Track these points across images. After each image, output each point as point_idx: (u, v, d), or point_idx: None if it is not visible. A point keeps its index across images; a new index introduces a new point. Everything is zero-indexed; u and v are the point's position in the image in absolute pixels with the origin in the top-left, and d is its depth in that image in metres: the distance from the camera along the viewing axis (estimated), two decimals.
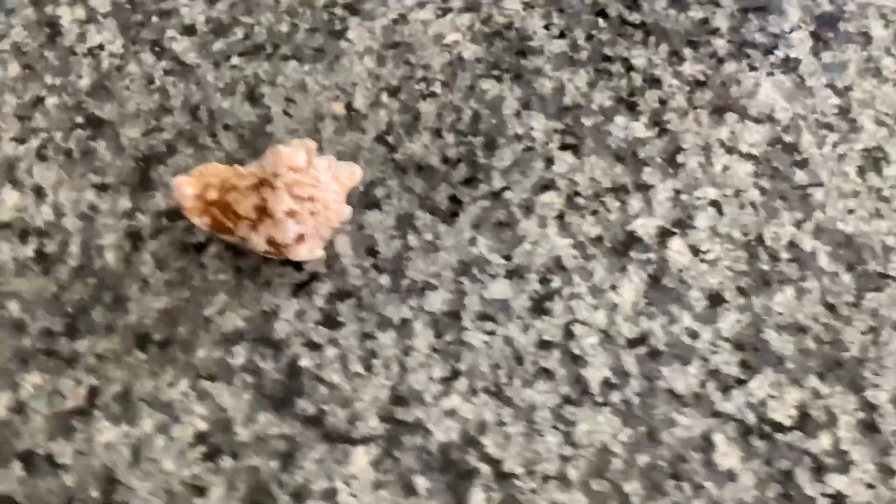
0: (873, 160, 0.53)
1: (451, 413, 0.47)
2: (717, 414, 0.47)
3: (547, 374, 0.48)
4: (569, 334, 0.49)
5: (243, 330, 0.49)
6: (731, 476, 0.46)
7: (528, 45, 0.57)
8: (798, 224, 0.52)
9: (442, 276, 0.50)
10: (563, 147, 0.54)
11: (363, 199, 0.52)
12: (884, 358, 0.48)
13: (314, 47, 0.56)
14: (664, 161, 0.53)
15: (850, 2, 0.58)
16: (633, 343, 0.49)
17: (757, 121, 0.54)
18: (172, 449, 0.46)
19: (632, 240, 0.51)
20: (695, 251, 0.51)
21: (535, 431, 0.47)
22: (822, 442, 0.46)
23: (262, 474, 0.46)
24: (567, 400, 0.47)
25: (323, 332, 0.49)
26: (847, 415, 0.47)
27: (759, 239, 0.51)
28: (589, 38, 0.57)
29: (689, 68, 0.56)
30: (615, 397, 0.47)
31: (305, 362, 0.48)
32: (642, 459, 0.46)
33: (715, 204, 0.52)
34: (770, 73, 0.56)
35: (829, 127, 0.54)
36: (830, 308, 0.49)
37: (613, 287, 0.50)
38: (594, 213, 0.52)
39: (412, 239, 0.51)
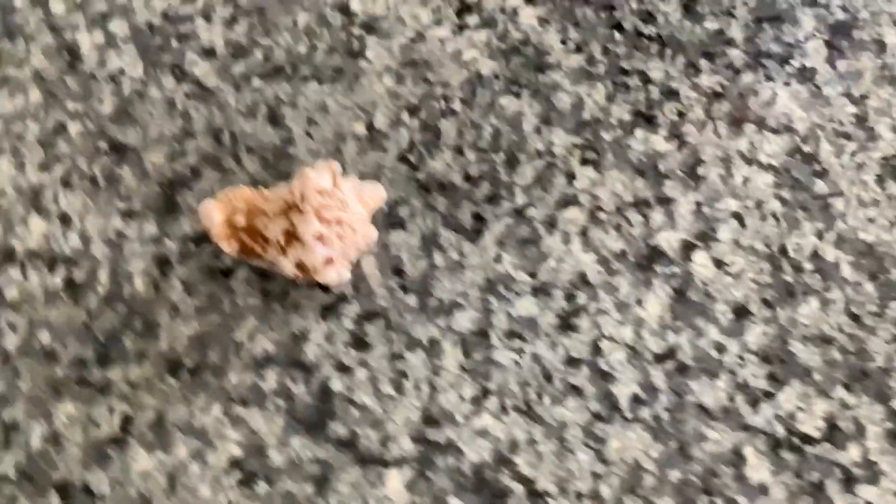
0: (891, 168, 0.54)
1: (482, 432, 0.47)
2: (746, 427, 0.47)
3: (576, 391, 0.48)
4: (596, 350, 0.49)
5: (273, 354, 0.49)
6: (762, 490, 0.46)
7: (546, 60, 0.57)
8: (820, 234, 0.52)
9: (469, 294, 0.51)
10: (584, 162, 0.54)
11: (387, 220, 0.52)
12: None
13: (333, 67, 0.56)
14: (685, 174, 0.54)
15: (863, 10, 0.58)
16: (660, 358, 0.49)
17: (775, 131, 0.55)
18: (208, 475, 0.47)
19: (655, 254, 0.52)
20: (718, 264, 0.51)
21: (566, 449, 0.47)
22: (851, 453, 0.47)
23: (298, 499, 0.46)
24: (597, 417, 0.48)
25: (353, 353, 0.49)
26: (875, 425, 0.47)
27: (783, 250, 0.52)
28: (605, 51, 0.57)
29: (707, 80, 0.56)
30: (645, 413, 0.48)
31: (336, 385, 0.48)
32: (674, 475, 0.46)
33: (737, 216, 0.52)
34: (786, 83, 0.56)
35: (847, 136, 0.55)
36: (855, 318, 0.50)
37: (639, 302, 0.50)
38: (617, 227, 0.52)
39: (438, 258, 0.51)
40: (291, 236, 0.47)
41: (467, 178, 0.54)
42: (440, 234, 0.52)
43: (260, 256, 0.48)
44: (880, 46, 0.57)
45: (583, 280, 0.51)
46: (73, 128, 0.55)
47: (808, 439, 0.47)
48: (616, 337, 0.50)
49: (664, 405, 0.48)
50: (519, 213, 0.53)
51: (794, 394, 0.48)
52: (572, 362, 0.49)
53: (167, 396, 0.48)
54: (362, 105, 0.55)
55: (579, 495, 0.46)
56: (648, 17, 0.58)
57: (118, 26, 0.58)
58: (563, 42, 0.57)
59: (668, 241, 0.52)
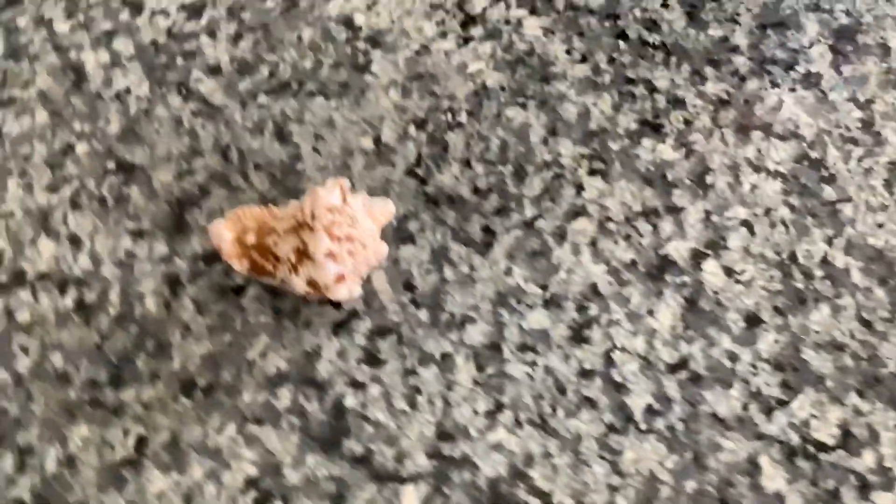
0: None
1: (497, 447, 0.47)
2: (761, 436, 0.47)
3: (590, 402, 0.48)
4: (609, 362, 0.49)
5: (286, 371, 0.49)
6: (778, 498, 0.46)
7: (551, 70, 0.57)
8: (829, 241, 0.52)
9: (480, 308, 0.51)
10: (592, 172, 0.54)
11: (397, 234, 0.52)
12: None
13: (339, 82, 0.56)
14: (693, 182, 0.54)
15: (866, 14, 0.58)
16: (673, 368, 0.49)
17: (782, 138, 0.55)
18: (224, 496, 0.47)
19: (666, 263, 0.52)
20: (729, 272, 0.51)
21: (581, 462, 0.47)
22: (866, 460, 0.47)
23: None
24: (612, 428, 0.48)
25: (365, 370, 0.49)
26: (889, 431, 0.48)
27: (792, 257, 0.52)
28: (611, 61, 0.57)
29: (712, 87, 0.56)
30: (659, 424, 0.48)
31: (350, 401, 0.48)
32: (690, 486, 0.46)
33: (746, 224, 0.52)
34: (792, 89, 0.56)
35: (854, 141, 0.55)
36: (866, 324, 0.50)
37: (650, 312, 0.50)
38: (627, 237, 0.52)
39: (448, 272, 0.51)
40: (302, 254, 0.47)
41: (476, 190, 0.54)
42: (450, 247, 0.52)
43: (271, 274, 0.48)
44: (885, 50, 0.57)
45: (594, 291, 0.51)
46: (81, 148, 0.55)
47: (822, 447, 0.47)
48: (628, 348, 0.50)
49: (678, 415, 0.48)
50: (528, 225, 0.53)
51: (807, 401, 0.48)
52: (585, 374, 0.49)
53: (181, 417, 0.48)
54: (369, 119, 0.55)
55: None
56: (653, 26, 0.58)
57: (123, 45, 0.58)
58: (568, 52, 0.58)
59: (678, 250, 0.52)
